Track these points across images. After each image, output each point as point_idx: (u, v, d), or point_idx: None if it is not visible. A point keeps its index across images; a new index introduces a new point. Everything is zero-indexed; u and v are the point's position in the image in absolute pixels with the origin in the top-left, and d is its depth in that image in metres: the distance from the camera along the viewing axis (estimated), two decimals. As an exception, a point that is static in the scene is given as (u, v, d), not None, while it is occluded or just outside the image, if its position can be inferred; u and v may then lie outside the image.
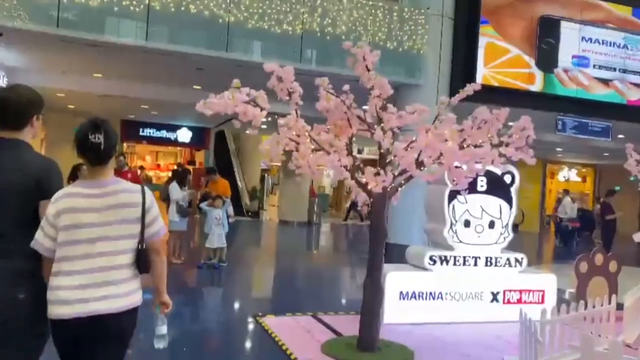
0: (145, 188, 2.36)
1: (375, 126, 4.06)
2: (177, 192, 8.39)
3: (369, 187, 4.13)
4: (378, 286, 4.46)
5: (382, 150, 4.24)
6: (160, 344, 2.45)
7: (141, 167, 21.66)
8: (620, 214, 12.70)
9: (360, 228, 18.69)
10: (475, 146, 4.11)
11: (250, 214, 19.02)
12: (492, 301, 5.80)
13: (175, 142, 19.36)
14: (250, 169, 22.66)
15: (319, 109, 4.21)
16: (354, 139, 4.42)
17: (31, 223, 2.17)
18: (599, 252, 6.47)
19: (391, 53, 9.50)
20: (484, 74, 9.81)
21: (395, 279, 5.45)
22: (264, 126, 15.82)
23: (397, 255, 10.12)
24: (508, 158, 4.21)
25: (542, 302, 5.98)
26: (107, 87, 11.76)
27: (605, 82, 10.76)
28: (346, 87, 4.24)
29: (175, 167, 17.45)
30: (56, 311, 2.12)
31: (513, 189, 5.91)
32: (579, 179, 23.71)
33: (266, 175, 29.35)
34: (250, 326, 5.54)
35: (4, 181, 2.15)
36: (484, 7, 9.91)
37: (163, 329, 2.44)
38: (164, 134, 18.88)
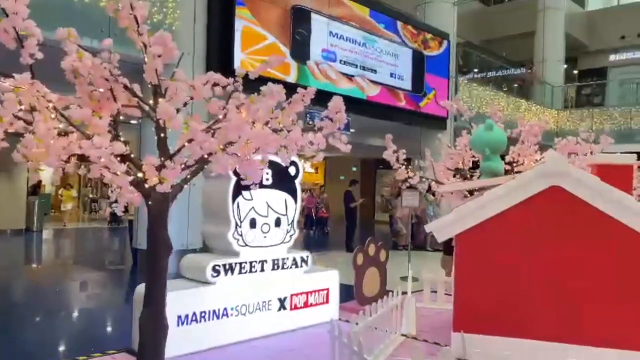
0: None
1: (160, 100, 2.89)
2: None
3: (148, 185, 2.93)
4: (160, 320, 3.28)
5: (163, 135, 3.09)
6: None
7: None
8: (361, 201, 13.74)
9: (101, 232, 16.34)
10: (276, 131, 3.30)
11: None
12: (279, 309, 5.13)
13: None
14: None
15: (65, 68, 2.82)
16: (120, 118, 3.14)
17: None
18: (371, 243, 6.44)
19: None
20: (242, 59, 9.16)
21: (170, 301, 4.28)
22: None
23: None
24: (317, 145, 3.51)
25: (327, 301, 5.60)
26: None
27: (350, 77, 11.28)
28: (106, 45, 2.96)
29: None
30: None
31: (297, 182, 5.34)
32: (312, 170, 25.44)
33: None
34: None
35: None
36: (239, -13, 9.23)
37: None
38: None
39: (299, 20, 10.23)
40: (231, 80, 3.22)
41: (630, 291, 3.92)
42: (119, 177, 2.86)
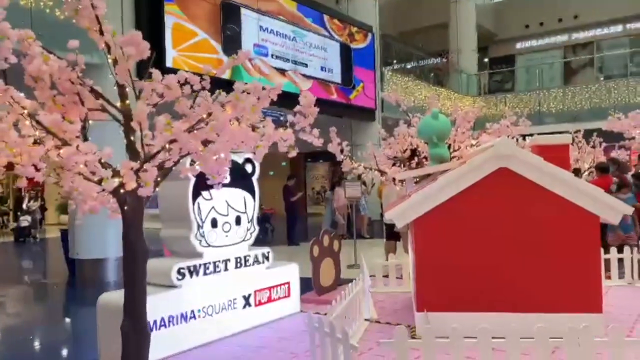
0: None
1: (139, 101, 2.81)
2: None
3: (126, 189, 2.85)
4: (142, 327, 3.20)
5: (133, 137, 3.01)
6: None
7: None
8: (300, 194, 13.83)
9: (14, 247, 15.32)
10: (253, 127, 3.32)
11: None
12: (244, 307, 5.13)
13: None
14: None
15: (31, 73, 2.69)
16: (88, 122, 3.03)
17: None
18: (325, 234, 6.56)
19: (61, 27, 7.64)
20: (174, 57, 8.94)
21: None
22: None
23: (92, 273, 8.47)
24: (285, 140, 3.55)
25: (289, 294, 5.66)
26: None
27: (282, 72, 11.31)
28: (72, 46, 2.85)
29: None
30: None
31: (254, 179, 5.34)
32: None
33: None
34: None
35: None
36: (165, -17, 8.98)
37: None
38: None
39: (229, 15, 10.13)
40: (198, 79, 3.19)
41: (569, 255, 4.31)
42: (92, 185, 2.77)
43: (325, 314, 4.08)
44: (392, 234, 8.39)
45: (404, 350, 2.92)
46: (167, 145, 2.82)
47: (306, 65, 11.96)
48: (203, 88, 3.21)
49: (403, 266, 6.65)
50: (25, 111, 2.47)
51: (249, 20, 10.56)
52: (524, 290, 4.36)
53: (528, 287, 4.36)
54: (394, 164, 8.01)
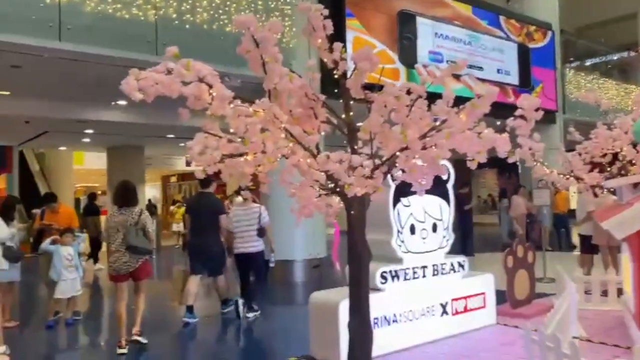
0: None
1: (372, 113, 2.98)
2: (2, 230, 6.13)
3: (357, 194, 3.03)
4: (367, 327, 3.37)
5: (371, 147, 3.18)
6: None
7: None
8: (474, 204, 13.41)
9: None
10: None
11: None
12: (442, 314, 5.11)
13: (-36, 167, 15.43)
14: (61, 192, 19.09)
15: (280, 89, 2.98)
16: (321, 133, 3.29)
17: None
18: (519, 245, 6.27)
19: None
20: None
21: (344, 309, 4.39)
22: (86, 139, 13.22)
23: (282, 274, 9.12)
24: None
25: (485, 305, 5.50)
26: None
27: (457, 77, 11.08)
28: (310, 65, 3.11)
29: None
30: None
31: (449, 186, 5.32)
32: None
33: (81, 197, 25.71)
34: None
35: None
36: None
37: None
38: (-53, 157, 14.90)
39: (405, 24, 10.24)
40: (421, 88, 3.27)
41: None
42: (312, 191, 3.00)
43: (535, 330, 3.88)
44: (590, 247, 7.70)
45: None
46: (397, 153, 2.93)
47: (481, 69, 11.59)
48: (420, 97, 3.30)
49: (609, 282, 6.06)
50: (283, 125, 2.76)
51: (424, 28, 10.57)
52: None
53: None
54: (591, 170, 7.34)
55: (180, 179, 26.52)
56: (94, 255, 12.09)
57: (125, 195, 5.55)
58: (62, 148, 17.91)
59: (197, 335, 6.23)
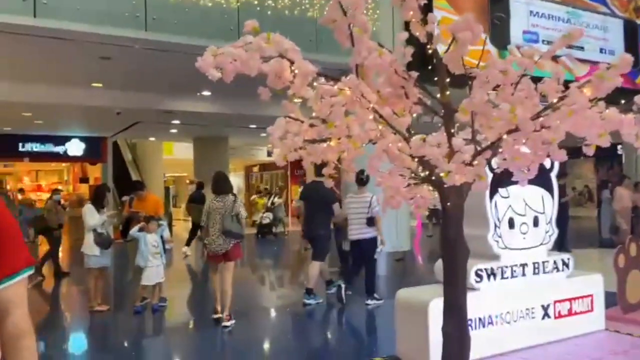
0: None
1: (476, 89, 2.61)
2: (93, 217, 6.34)
3: (452, 183, 2.67)
4: (465, 330, 3.01)
5: (472, 129, 2.80)
6: None
7: (21, 190, 18.56)
8: (572, 195, 12.41)
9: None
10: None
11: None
12: (543, 318, 4.61)
13: (64, 157, 16.47)
14: (151, 181, 19.95)
15: (367, 63, 2.67)
16: (412, 115, 2.96)
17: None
18: (632, 242, 5.58)
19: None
20: (442, 51, 8.76)
21: (440, 307, 4.04)
22: (173, 130, 13.60)
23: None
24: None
25: (592, 309, 4.92)
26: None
27: (555, 58, 10.22)
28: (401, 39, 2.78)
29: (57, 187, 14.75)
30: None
31: (553, 175, 4.78)
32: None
33: (170, 187, 26.86)
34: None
35: None
36: (434, -22, 8.87)
37: None
38: (50, 147, 15.96)
39: (497, 2, 9.54)
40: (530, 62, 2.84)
41: None
42: (400, 179, 2.68)
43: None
44: None
45: None
46: (504, 136, 2.55)
47: (582, 49, 10.60)
48: (525, 74, 2.88)
49: None
50: (371, 105, 2.47)
51: (518, 6, 9.80)
52: None
53: None
54: None
55: (262, 169, 26.97)
56: (189, 241, 12.48)
57: (220, 184, 6.15)
58: (151, 139, 18.68)
59: (289, 319, 6.46)
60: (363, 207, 6.75)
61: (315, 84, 2.36)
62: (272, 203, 17.34)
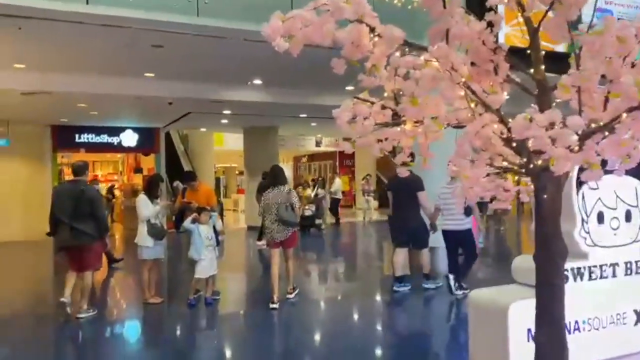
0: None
1: (585, 58, 2.20)
2: (147, 207, 6.22)
3: (561, 171, 2.26)
4: (561, 341, 2.61)
5: (579, 108, 2.39)
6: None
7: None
8: None
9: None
10: None
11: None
12: (636, 324, 4.11)
13: (119, 148, 16.76)
14: (202, 171, 19.97)
15: (453, 32, 2.30)
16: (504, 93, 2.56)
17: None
18: None
19: (396, 11, 7.74)
20: (506, 33, 8.16)
21: (521, 310, 3.63)
22: (224, 120, 13.53)
23: (416, 262, 8.44)
24: None
25: (690, 315, 4.37)
26: (30, 82, 9.28)
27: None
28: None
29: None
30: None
31: (647, 164, 4.24)
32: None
33: (221, 177, 27.09)
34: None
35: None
36: (498, -46, 8.27)
37: None
38: (104, 138, 16.26)
39: (567, -21, 8.83)
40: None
41: None
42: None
43: None
44: None
45: None
46: (624, 116, 2.13)
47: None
48: None
49: None
50: (463, 79, 2.10)
51: (590, -18, 9.04)
52: None
53: None
54: None
55: (310, 159, 26.79)
56: (261, 234, 12.21)
57: (275, 175, 6.55)
58: (202, 129, 18.76)
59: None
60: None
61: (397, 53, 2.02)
62: (316, 194, 16.25)
